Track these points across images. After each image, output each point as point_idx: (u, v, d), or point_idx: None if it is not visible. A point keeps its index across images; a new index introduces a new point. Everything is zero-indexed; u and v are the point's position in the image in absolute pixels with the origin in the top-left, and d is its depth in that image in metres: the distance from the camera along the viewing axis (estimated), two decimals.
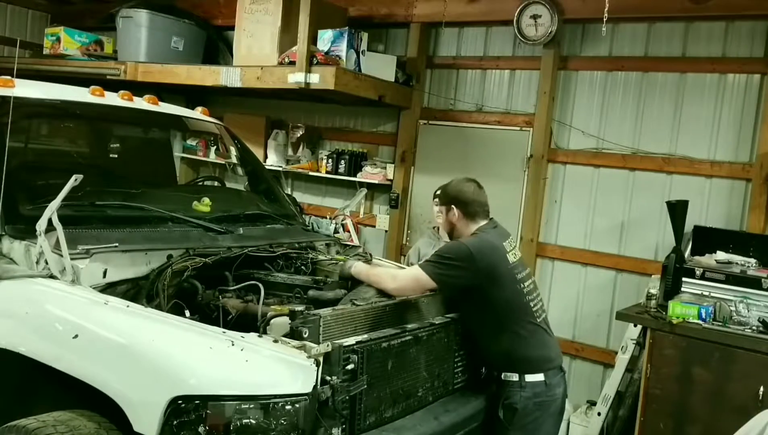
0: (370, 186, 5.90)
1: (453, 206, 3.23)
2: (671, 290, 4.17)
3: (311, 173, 6.33)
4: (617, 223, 5.00)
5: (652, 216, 4.82)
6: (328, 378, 2.33)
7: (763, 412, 2.35)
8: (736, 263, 4.14)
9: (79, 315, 2.54)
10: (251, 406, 2.20)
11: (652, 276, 4.51)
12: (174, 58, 6.26)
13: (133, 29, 6.29)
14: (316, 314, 2.55)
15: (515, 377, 3.05)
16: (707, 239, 4.41)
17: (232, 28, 5.86)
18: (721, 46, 4.67)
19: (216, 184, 5.29)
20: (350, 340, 2.53)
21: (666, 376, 3.95)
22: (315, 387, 2.29)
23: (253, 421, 2.19)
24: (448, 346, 3.10)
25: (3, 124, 3.04)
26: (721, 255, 4.25)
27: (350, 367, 2.45)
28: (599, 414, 4.47)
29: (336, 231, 4.16)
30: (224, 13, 6.55)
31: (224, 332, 2.41)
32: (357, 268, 3.18)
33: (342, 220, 4.32)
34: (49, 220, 2.69)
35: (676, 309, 3.91)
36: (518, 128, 5.40)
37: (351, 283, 3.21)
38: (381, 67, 5.46)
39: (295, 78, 5.03)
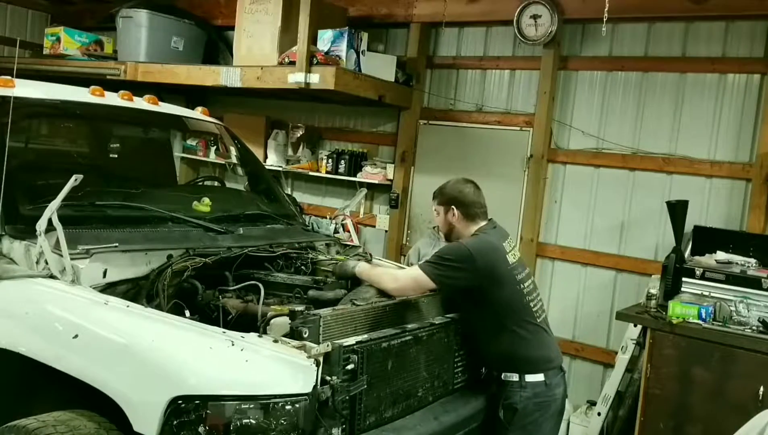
0: (370, 186, 5.90)
1: (453, 207, 3.22)
2: (671, 290, 4.17)
3: (311, 173, 6.33)
4: (617, 223, 5.00)
5: (652, 216, 4.82)
6: (328, 378, 2.33)
7: (763, 412, 2.35)
8: (736, 263, 4.14)
9: (79, 315, 2.54)
10: (251, 406, 2.20)
11: (652, 276, 4.51)
12: (174, 58, 6.26)
13: (133, 29, 6.29)
14: (316, 314, 2.55)
15: (515, 377, 3.05)
16: (707, 239, 4.40)
17: (232, 28, 5.86)
18: (721, 46, 4.67)
19: (216, 184, 5.29)
20: (350, 340, 2.53)
21: (666, 376, 3.95)
22: (315, 387, 2.29)
23: (253, 421, 2.19)
24: (448, 346, 3.10)
25: (3, 124, 3.04)
26: (721, 255, 4.25)
27: (350, 367, 2.45)
28: (599, 414, 4.47)
29: (336, 231, 4.15)
30: (224, 13, 6.55)
31: (224, 332, 2.41)
32: (360, 267, 3.19)
33: (342, 220, 4.32)
34: (49, 220, 2.69)
35: (676, 309, 3.91)
36: (518, 128, 5.40)
37: (351, 283, 3.21)
38: (381, 67, 5.46)
39: (295, 78, 5.03)
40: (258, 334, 2.46)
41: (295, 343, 2.39)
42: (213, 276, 3.06)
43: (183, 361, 2.30)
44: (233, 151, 4.76)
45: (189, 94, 6.76)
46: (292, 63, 5.12)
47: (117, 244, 2.87)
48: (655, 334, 3.98)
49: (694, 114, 4.75)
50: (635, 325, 4.27)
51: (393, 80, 5.58)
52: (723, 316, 3.89)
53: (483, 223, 3.23)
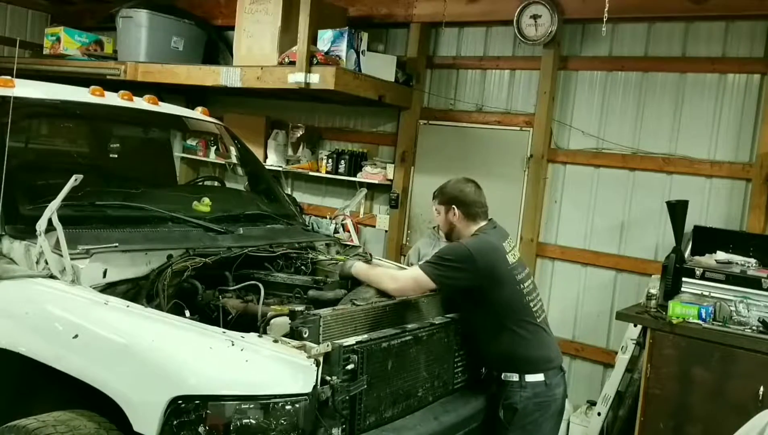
0: (370, 186, 5.90)
1: (454, 206, 3.22)
2: (671, 290, 4.17)
3: (311, 173, 6.33)
4: (617, 223, 5.00)
5: (652, 216, 4.82)
6: (328, 378, 2.33)
7: (763, 412, 2.35)
8: (736, 263, 4.14)
9: (79, 315, 2.54)
10: (251, 406, 2.20)
11: (652, 276, 4.51)
12: (174, 58, 6.26)
13: (133, 29, 6.29)
14: (316, 314, 2.55)
15: (515, 377, 3.05)
16: (707, 239, 4.40)
17: (232, 28, 5.86)
18: (721, 46, 4.67)
19: (216, 184, 5.29)
20: (350, 340, 2.53)
21: (666, 376, 3.95)
22: (315, 387, 2.29)
23: (253, 421, 2.19)
24: (448, 346, 3.10)
25: (3, 124, 3.04)
26: (721, 255, 4.25)
27: (350, 367, 2.45)
28: (599, 414, 4.47)
29: (336, 231, 4.15)
30: (224, 13, 6.55)
31: (224, 332, 2.41)
32: (357, 267, 3.18)
33: (342, 220, 4.32)
34: (49, 220, 2.69)
35: (676, 309, 3.91)
36: (518, 128, 5.40)
37: (351, 283, 3.21)
38: (381, 67, 5.46)
39: (295, 78, 5.03)
40: (258, 334, 2.46)
41: (295, 343, 2.39)
42: (213, 276, 3.06)
43: (183, 361, 2.30)
44: (233, 151, 4.76)
45: (189, 94, 6.76)
46: (292, 63, 5.12)
47: (117, 244, 2.87)
48: (655, 334, 3.98)
49: (694, 114, 4.75)
50: (635, 325, 4.26)
51: (393, 80, 5.58)
52: (723, 316, 3.89)
53: (483, 223, 3.23)
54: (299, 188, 6.63)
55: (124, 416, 2.26)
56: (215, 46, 6.84)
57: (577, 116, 5.18)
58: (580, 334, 5.14)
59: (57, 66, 6.48)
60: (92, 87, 3.75)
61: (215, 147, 6.62)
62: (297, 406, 2.24)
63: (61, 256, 2.69)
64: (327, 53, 5.05)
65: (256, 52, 5.52)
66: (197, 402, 2.18)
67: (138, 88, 5.10)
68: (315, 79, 4.97)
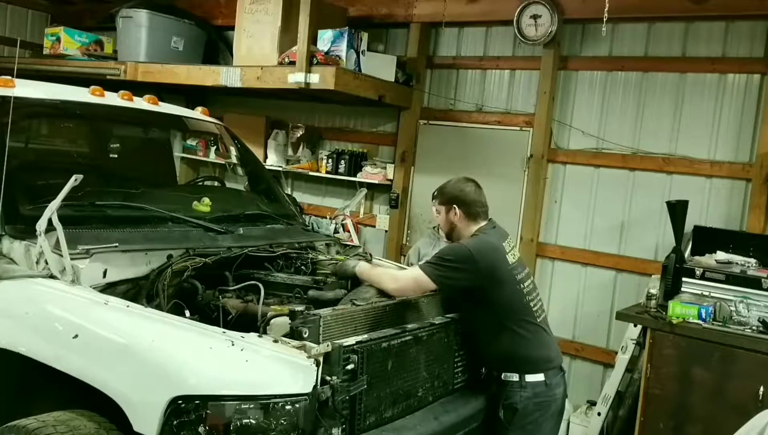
0: (370, 186, 5.90)
1: (455, 206, 3.22)
2: (671, 290, 4.17)
3: (311, 173, 6.33)
4: (617, 223, 5.00)
5: (652, 216, 4.82)
6: (328, 378, 2.33)
7: (763, 412, 2.35)
8: (736, 263, 4.14)
9: (79, 315, 2.54)
10: (251, 406, 2.20)
11: (652, 276, 4.51)
12: (174, 58, 6.26)
13: (133, 29, 6.29)
14: (316, 314, 2.55)
15: (515, 377, 3.05)
16: (707, 239, 4.40)
17: (232, 28, 5.86)
18: (721, 46, 4.67)
19: (216, 184, 5.29)
20: (350, 340, 2.53)
21: (666, 376, 3.95)
22: (315, 387, 2.29)
23: (253, 421, 2.19)
24: (448, 346, 3.10)
25: (3, 124, 3.04)
26: (721, 255, 4.25)
27: (350, 367, 2.45)
28: (599, 414, 4.47)
29: (336, 231, 4.15)
30: (224, 13, 6.55)
31: (224, 332, 2.41)
32: (360, 267, 3.18)
33: (342, 220, 4.32)
34: (49, 220, 2.69)
35: (676, 309, 3.91)
36: (518, 128, 5.40)
37: (351, 283, 3.21)
38: (381, 67, 5.46)
39: (295, 78, 5.03)
40: (258, 334, 2.46)
41: (295, 343, 2.39)
42: (213, 276, 3.06)
43: (183, 361, 2.30)
44: (233, 151, 4.76)
45: (189, 94, 6.76)
46: (292, 63, 5.12)
47: (117, 244, 2.87)
48: (655, 334, 3.98)
49: (694, 114, 4.75)
50: (635, 325, 4.26)
51: (393, 80, 5.58)
52: (723, 316, 3.89)
53: (483, 223, 3.23)
54: (299, 188, 6.63)
55: (124, 416, 2.26)
56: (215, 46, 6.84)
57: (577, 116, 5.18)
58: (580, 334, 5.14)
59: (57, 66, 6.48)
60: (92, 87, 3.75)
61: (215, 147, 6.62)
62: (297, 406, 2.24)
63: (61, 256, 2.69)
64: (327, 53, 5.05)
65: (256, 52, 5.52)
66: (197, 402, 2.18)
67: (138, 88, 5.10)
68: (315, 79, 4.97)
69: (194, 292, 2.93)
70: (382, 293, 3.05)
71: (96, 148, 4.43)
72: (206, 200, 3.56)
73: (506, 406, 3.05)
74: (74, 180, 2.68)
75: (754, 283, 3.92)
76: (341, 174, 6.09)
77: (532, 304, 3.13)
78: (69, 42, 6.68)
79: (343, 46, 5.05)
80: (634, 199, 4.95)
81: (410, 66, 5.78)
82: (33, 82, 3.68)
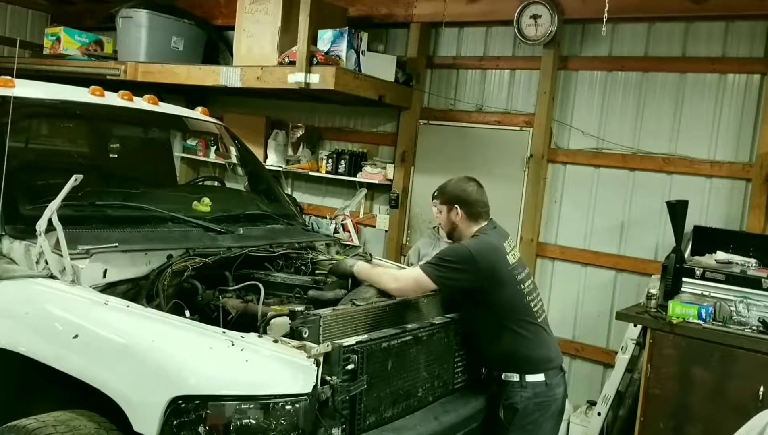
0: (370, 186, 5.90)
1: (456, 206, 3.22)
2: (671, 290, 4.17)
3: (311, 173, 6.32)
4: (617, 223, 5.00)
5: (652, 216, 4.82)
6: (328, 378, 2.33)
7: (763, 412, 2.35)
8: (736, 263, 4.14)
9: (79, 315, 2.54)
10: (251, 406, 2.20)
11: (652, 276, 4.51)
12: (174, 58, 6.26)
13: (133, 29, 6.29)
14: (316, 314, 2.55)
15: (516, 377, 3.05)
16: (707, 239, 4.40)
17: (232, 28, 5.86)
18: (721, 46, 4.67)
19: (216, 184, 5.29)
20: (350, 340, 2.53)
21: (666, 376, 3.95)
22: (315, 387, 2.29)
23: (253, 421, 2.19)
24: (448, 346, 3.10)
25: (3, 124, 3.04)
26: (721, 255, 4.25)
27: (350, 367, 2.45)
28: (599, 414, 4.47)
29: (336, 231, 4.15)
30: (224, 13, 6.55)
31: (224, 332, 2.41)
32: (358, 266, 3.18)
33: (342, 220, 4.32)
34: (49, 220, 2.68)
35: (676, 309, 3.91)
36: (518, 128, 5.40)
37: (351, 283, 3.21)
38: (381, 67, 5.46)
39: (295, 78, 5.03)
40: (258, 334, 2.46)
41: (295, 343, 2.39)
42: (213, 276, 3.05)
43: (183, 361, 2.30)
44: (233, 151, 4.76)
45: (189, 94, 6.76)
46: (292, 63, 5.12)
47: (117, 244, 2.87)
48: (655, 334, 3.98)
49: (694, 114, 4.75)
50: (635, 325, 4.26)
51: (393, 80, 5.58)
52: (723, 316, 3.89)
53: (484, 223, 3.23)
54: (299, 188, 6.62)
55: (124, 416, 2.26)
56: (215, 46, 6.84)
57: (577, 116, 5.18)
58: (580, 334, 5.14)
59: (57, 66, 6.48)
60: (92, 87, 3.75)
61: (215, 147, 6.62)
62: (297, 406, 2.24)
63: (61, 256, 2.69)
64: (327, 53, 5.05)
65: (256, 52, 5.52)
66: (197, 402, 2.18)
67: (138, 88, 5.10)
68: (315, 79, 4.97)
69: (194, 292, 2.93)
70: (382, 293, 3.05)
71: (96, 148, 4.43)
72: (206, 200, 3.56)
73: (506, 406, 3.05)
74: (74, 180, 2.68)
75: (754, 283, 3.92)
76: (341, 174, 6.09)
77: (532, 304, 3.13)
78: (69, 42, 6.68)
79: (343, 46, 5.05)
80: (634, 199, 4.95)
81: (410, 66, 5.78)
82: (33, 82, 3.68)
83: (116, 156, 4.47)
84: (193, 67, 5.98)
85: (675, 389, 3.93)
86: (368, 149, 6.17)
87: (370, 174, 5.96)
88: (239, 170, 4.84)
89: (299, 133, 6.38)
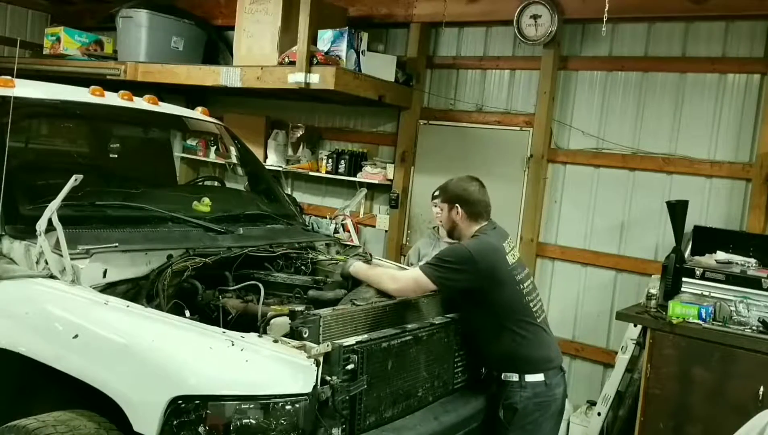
0: (370, 186, 5.90)
1: (457, 205, 3.22)
2: (671, 290, 4.17)
3: (311, 173, 6.33)
4: (617, 223, 5.00)
5: (652, 216, 4.82)
6: (328, 378, 2.33)
7: (763, 412, 2.35)
8: (736, 263, 4.14)
9: (79, 315, 2.54)
10: (251, 406, 2.20)
11: (652, 276, 4.51)
12: (174, 58, 6.26)
13: (133, 29, 6.29)
14: (316, 314, 2.55)
15: (515, 377, 3.05)
16: (707, 239, 4.40)
17: (232, 28, 5.86)
18: (721, 46, 4.67)
19: (216, 184, 5.29)
20: (350, 340, 2.53)
21: (666, 376, 3.95)
22: (315, 387, 2.29)
23: (253, 421, 2.19)
24: (448, 346, 3.11)
25: (3, 124, 3.04)
26: (721, 255, 4.25)
27: (350, 367, 2.45)
28: (599, 414, 4.47)
29: (336, 231, 4.15)
30: (224, 13, 6.55)
31: (224, 332, 2.41)
32: (356, 267, 3.18)
33: (342, 220, 4.32)
34: (49, 220, 2.69)
35: (676, 309, 3.91)
36: (518, 128, 5.40)
37: (351, 283, 3.21)
38: (381, 67, 5.46)
39: (295, 78, 5.03)
40: (258, 334, 2.46)
41: (295, 343, 2.39)
42: (213, 276, 3.06)
43: (183, 361, 2.30)
44: (233, 151, 4.76)
45: (189, 94, 6.76)
46: (292, 63, 5.12)
47: (117, 244, 2.87)
48: (655, 334, 3.98)
49: (694, 114, 4.75)
50: (635, 325, 4.26)
51: (393, 80, 5.58)
52: (723, 316, 3.89)
53: (484, 222, 3.23)
54: (299, 188, 6.62)
55: (124, 416, 2.26)
56: (215, 46, 6.84)
57: (577, 116, 5.18)
58: (580, 334, 5.14)
59: (57, 66, 6.47)
60: (92, 87, 3.75)
61: (215, 147, 6.62)
62: (297, 406, 2.24)
63: (61, 256, 2.69)
64: (327, 53, 5.05)
65: (256, 52, 5.52)
66: (197, 402, 2.18)
67: (138, 88, 5.10)
68: (315, 79, 4.97)
69: (194, 292, 2.93)
70: (382, 293, 3.05)
71: (96, 148, 4.43)
72: (206, 200, 3.56)
73: (506, 406, 3.05)
74: (74, 180, 2.68)
75: (754, 283, 3.92)
76: (341, 174, 6.09)
77: (532, 304, 3.13)
78: (69, 42, 6.68)
79: (343, 46, 5.05)
80: (634, 199, 4.95)
81: (410, 66, 5.78)
82: (33, 82, 3.68)
83: (116, 156, 4.47)
84: (193, 67, 5.98)
85: (675, 389, 3.93)
86: (368, 149, 6.17)
87: (370, 174, 5.96)
88: (239, 170, 4.84)
89: (299, 133, 6.38)
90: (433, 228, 4.88)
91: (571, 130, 5.20)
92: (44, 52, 6.84)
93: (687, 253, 4.40)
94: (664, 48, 4.87)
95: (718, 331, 3.80)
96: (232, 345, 2.31)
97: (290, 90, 5.35)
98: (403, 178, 5.88)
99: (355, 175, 6.01)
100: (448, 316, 3.18)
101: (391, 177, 5.93)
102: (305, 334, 2.47)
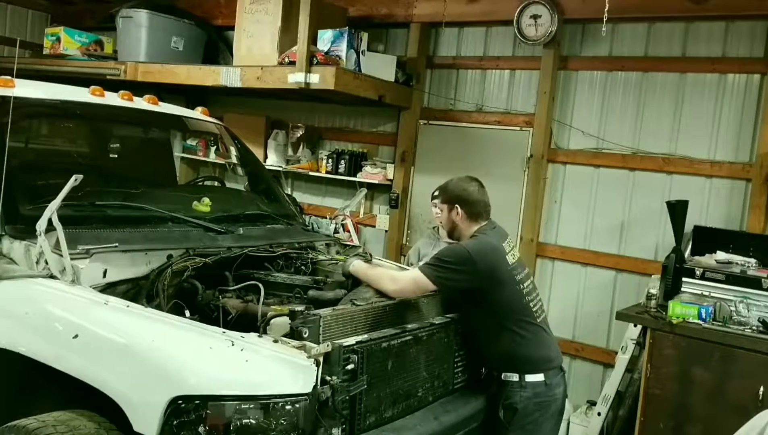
0: (370, 186, 5.90)
1: (457, 206, 3.21)
2: (671, 290, 4.17)
3: (311, 173, 6.33)
4: (617, 223, 5.00)
5: (652, 216, 4.82)
6: (328, 378, 2.33)
7: (763, 412, 2.35)
8: (736, 263, 4.14)
9: (79, 315, 2.54)
10: (251, 406, 2.20)
11: (652, 276, 4.51)
12: (174, 58, 6.26)
13: (133, 29, 6.29)
14: (316, 314, 2.55)
15: (515, 377, 3.05)
16: (707, 239, 4.40)
17: (232, 28, 5.86)
18: (721, 46, 4.67)
19: (216, 184, 5.29)
20: (350, 340, 2.53)
21: (666, 376, 3.95)
22: (315, 387, 2.29)
23: (253, 421, 2.19)
24: (448, 346, 3.10)
25: (3, 124, 3.04)
26: (721, 255, 4.25)
27: (350, 367, 2.45)
28: (599, 414, 4.47)
29: (336, 231, 4.15)
30: (224, 13, 6.55)
31: (224, 332, 2.41)
32: (356, 266, 3.18)
33: (342, 220, 4.32)
34: (49, 220, 2.69)
35: (676, 309, 3.91)
36: (518, 128, 5.40)
37: (351, 282, 3.21)
38: (381, 67, 5.46)
39: (295, 78, 5.03)
40: (258, 334, 2.46)
41: (295, 343, 2.39)
42: (213, 276, 3.05)
43: (183, 361, 2.30)
44: (233, 151, 4.76)
45: (189, 94, 6.76)
46: (292, 63, 5.12)
47: (117, 244, 2.87)
48: (655, 334, 3.98)
49: (694, 114, 4.75)
50: (635, 325, 4.26)
51: (393, 80, 5.58)
52: (723, 316, 3.89)
53: (484, 222, 3.23)
54: (299, 188, 6.62)
55: (124, 416, 2.26)
56: (215, 46, 6.84)
57: (577, 116, 5.18)
58: (580, 334, 5.14)
59: (57, 66, 6.48)
60: (92, 87, 3.75)
61: (215, 147, 6.62)
62: (297, 406, 2.24)
63: (61, 256, 2.69)
64: (327, 53, 5.05)
65: (256, 52, 5.52)
66: (197, 402, 2.18)
67: (138, 88, 5.10)
68: (315, 79, 4.97)
69: (194, 292, 2.93)
70: (381, 293, 3.04)
71: (96, 148, 4.43)
72: (206, 200, 3.56)
73: (506, 406, 3.05)
74: (74, 180, 2.68)
75: (754, 283, 3.92)
76: (341, 174, 6.09)
77: (531, 304, 3.13)
78: (69, 42, 6.68)
79: (343, 46, 5.05)
80: (634, 199, 4.95)
81: (410, 66, 5.78)
82: (33, 82, 3.68)
83: (116, 156, 4.47)
84: (193, 67, 5.98)
85: (675, 389, 3.93)
86: (368, 149, 6.18)
87: (370, 174, 5.96)
88: (239, 170, 4.84)
89: (299, 133, 6.38)
90: (433, 228, 4.88)
91: (571, 130, 5.20)
92: (44, 52, 6.84)
93: (687, 253, 4.40)
94: (664, 48, 4.87)
95: (718, 331, 3.80)
96: (232, 345, 2.31)
97: (290, 90, 5.35)
98: (403, 178, 5.88)
99: (355, 175, 6.01)
100: (448, 316, 3.18)
101: (391, 177, 5.93)
102: (305, 334, 2.47)
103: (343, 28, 5.12)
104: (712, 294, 4.03)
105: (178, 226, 3.29)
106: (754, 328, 3.78)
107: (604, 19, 4.23)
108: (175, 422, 2.18)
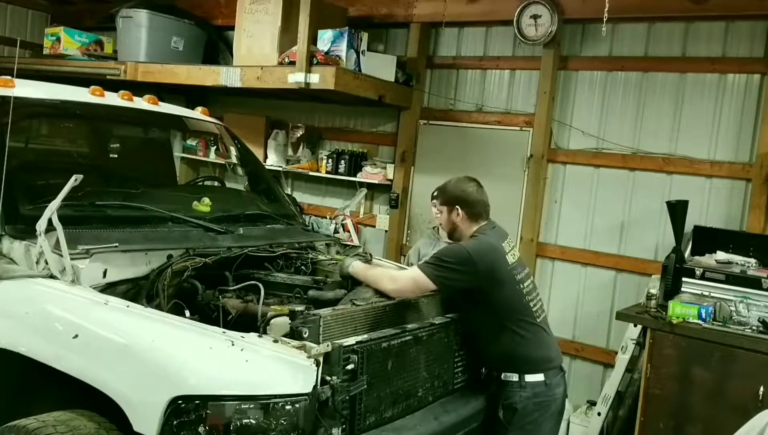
0: (370, 186, 5.90)
1: (457, 207, 3.21)
2: (671, 290, 4.17)
3: (311, 173, 6.33)
4: (617, 223, 5.00)
5: (652, 216, 4.82)
6: (328, 378, 2.33)
7: (763, 412, 2.35)
8: (736, 263, 4.14)
9: (79, 315, 2.54)
10: (251, 406, 2.20)
11: (652, 276, 4.51)
12: (174, 58, 6.26)
13: (133, 29, 6.29)
14: (316, 314, 2.55)
15: (515, 377, 3.05)
16: (707, 239, 4.40)
17: (232, 28, 5.86)
18: (721, 46, 4.67)
19: (216, 184, 5.29)
20: (350, 340, 2.53)
21: (666, 376, 3.95)
22: (315, 387, 2.29)
23: (253, 421, 2.20)
24: (448, 346, 3.11)
25: (3, 124, 3.04)
26: (721, 255, 4.25)
27: (350, 367, 2.45)
28: (599, 414, 4.47)
29: (336, 231, 4.15)
30: (224, 13, 6.55)
31: (224, 332, 2.41)
32: (354, 267, 3.18)
33: (342, 220, 4.31)
34: (49, 220, 2.69)
35: (676, 309, 3.91)
36: (518, 128, 5.40)
37: (351, 283, 3.21)
38: (381, 67, 5.46)
39: (295, 78, 5.03)
40: (258, 334, 2.46)
41: (295, 343, 2.39)
42: (213, 276, 3.05)
43: (183, 361, 2.30)
44: (233, 151, 4.76)
45: (189, 94, 6.76)
46: (292, 63, 5.12)
47: (117, 244, 2.87)
48: (655, 334, 3.98)
49: (694, 114, 4.75)
50: (635, 325, 4.26)
51: (393, 80, 5.58)
52: (723, 316, 3.89)
53: (484, 222, 3.23)
54: (299, 188, 6.63)
55: (124, 416, 2.26)
56: (215, 46, 6.84)
57: (577, 116, 5.18)
58: (580, 334, 5.14)
59: (57, 66, 6.48)
60: (92, 87, 3.75)
61: (215, 147, 6.62)
62: (297, 406, 2.24)
63: (61, 256, 2.69)
64: (327, 53, 5.05)
65: (256, 52, 5.52)
66: (197, 402, 2.18)
67: (138, 88, 5.10)
68: (315, 79, 4.97)
69: (194, 292, 2.93)
70: (381, 293, 3.04)
71: (96, 148, 4.43)
72: (206, 200, 3.56)
73: (506, 406, 3.05)
74: (74, 180, 2.68)
75: (754, 283, 3.92)
76: (341, 174, 6.09)
77: (531, 304, 3.13)
78: (69, 42, 6.68)
79: (343, 46, 5.05)
80: (634, 199, 4.95)
81: (410, 66, 5.78)
82: (33, 82, 3.68)
83: (116, 156, 4.47)
84: (193, 67, 5.98)
85: (675, 389, 3.93)
86: (368, 149, 6.18)
87: (370, 174, 5.96)
88: (239, 170, 4.84)
89: (299, 133, 6.38)
90: (433, 228, 4.88)
91: (571, 130, 5.20)
92: (44, 52, 6.84)
93: (687, 253, 4.40)
94: (664, 48, 4.87)
95: (718, 331, 3.80)
96: (232, 345, 2.31)
97: (290, 90, 5.35)
98: (403, 178, 5.88)
99: (355, 175, 6.01)
100: (448, 316, 3.18)
101: (391, 177, 5.93)
102: (305, 334, 2.47)
103: (343, 28, 5.12)
104: (712, 294, 4.03)
105: (178, 226, 3.29)
106: (754, 328, 3.78)
107: (604, 19, 4.22)
108: (175, 422, 2.18)
